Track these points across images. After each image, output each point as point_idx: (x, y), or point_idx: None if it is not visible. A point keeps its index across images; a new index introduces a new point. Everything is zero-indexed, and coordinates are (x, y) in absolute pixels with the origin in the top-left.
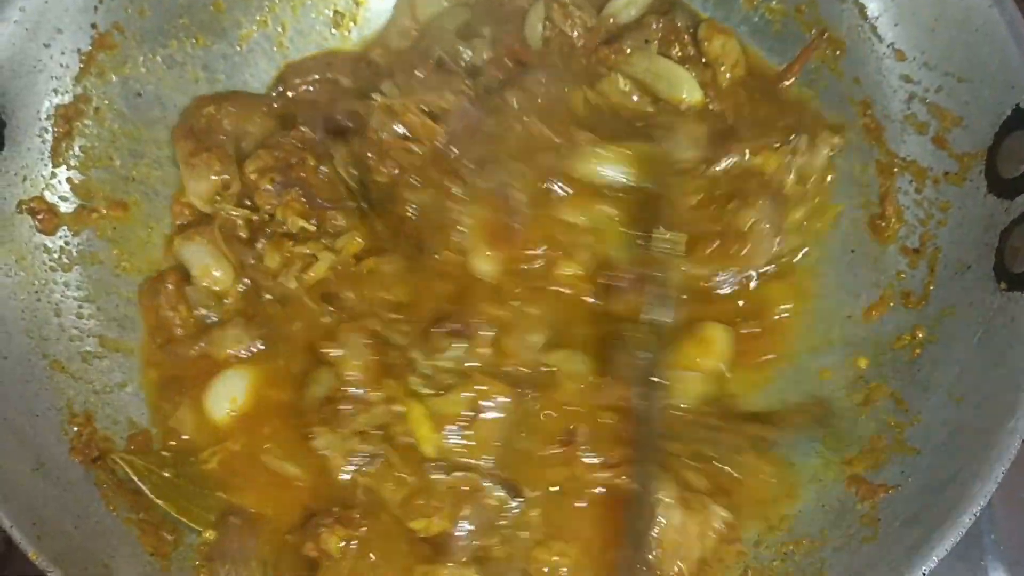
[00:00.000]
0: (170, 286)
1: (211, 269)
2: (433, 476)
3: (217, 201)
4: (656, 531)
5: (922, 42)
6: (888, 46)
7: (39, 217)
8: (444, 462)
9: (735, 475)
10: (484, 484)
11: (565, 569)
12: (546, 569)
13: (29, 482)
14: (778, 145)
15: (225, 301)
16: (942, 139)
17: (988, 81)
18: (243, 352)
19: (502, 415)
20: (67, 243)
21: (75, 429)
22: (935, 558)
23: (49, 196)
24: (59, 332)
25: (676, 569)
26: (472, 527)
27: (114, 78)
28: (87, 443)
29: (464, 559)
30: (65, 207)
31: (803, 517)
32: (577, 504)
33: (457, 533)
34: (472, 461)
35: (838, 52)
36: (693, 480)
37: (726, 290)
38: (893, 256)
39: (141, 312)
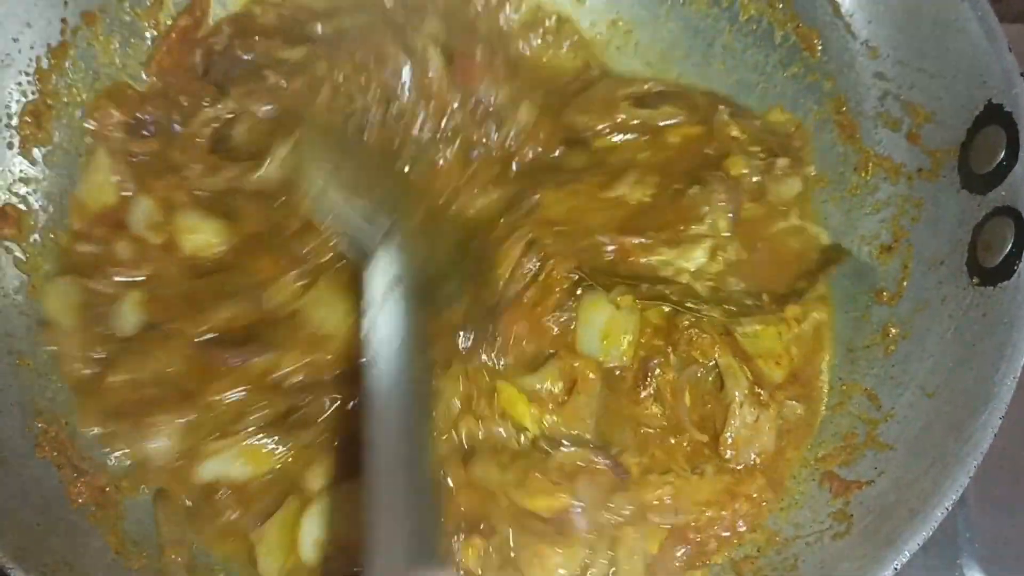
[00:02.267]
0: None
1: None
2: (540, 454)
3: None
4: (728, 430)
5: (895, 38)
6: (862, 43)
7: (4, 219)
8: (547, 439)
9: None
10: (593, 458)
11: None
12: None
13: None
14: (762, 157)
15: None
16: (915, 135)
17: (960, 77)
18: None
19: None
20: (34, 240)
21: (40, 426)
22: (907, 552)
23: (16, 193)
24: (24, 329)
25: (752, 461)
26: (586, 503)
27: (85, 73)
28: (54, 440)
29: (589, 534)
30: (35, 204)
31: (776, 513)
32: None
33: (575, 510)
34: (575, 433)
35: (814, 49)
36: (769, 372)
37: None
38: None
39: None
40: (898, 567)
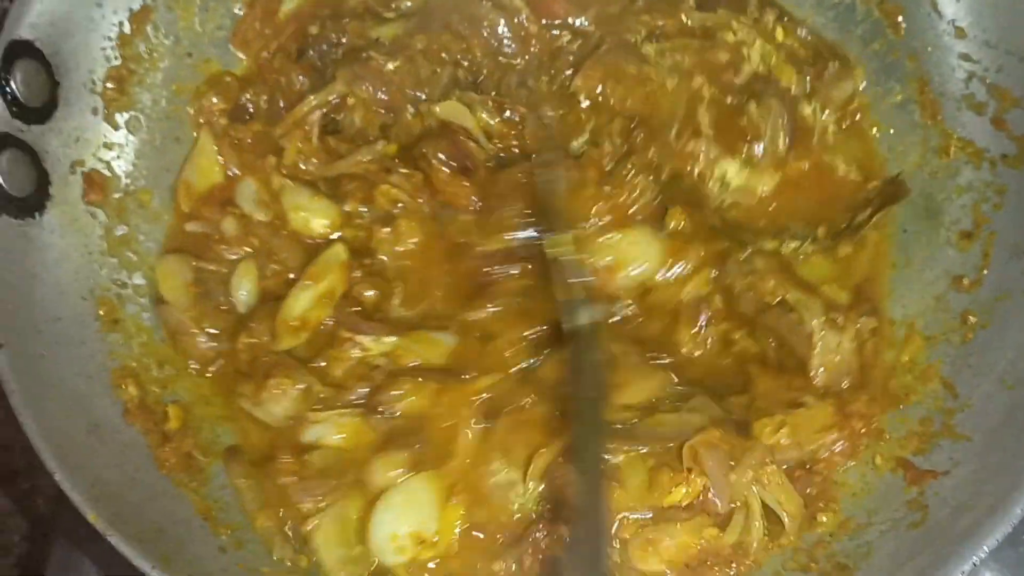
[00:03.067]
0: None
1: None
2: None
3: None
4: (815, 359)
5: (984, 20)
6: (948, 23)
7: (90, 184)
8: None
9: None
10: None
11: None
12: None
13: (84, 444)
14: (811, 63)
15: None
16: (1001, 120)
17: None
18: None
19: None
20: (118, 204)
21: (129, 391)
22: (986, 547)
23: (101, 158)
24: (115, 294)
25: (845, 384)
26: (716, 476)
27: (165, 38)
28: (140, 405)
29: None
30: (118, 169)
31: (849, 498)
32: None
33: (712, 491)
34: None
35: (897, 27)
36: (834, 296)
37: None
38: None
39: None
40: (976, 563)
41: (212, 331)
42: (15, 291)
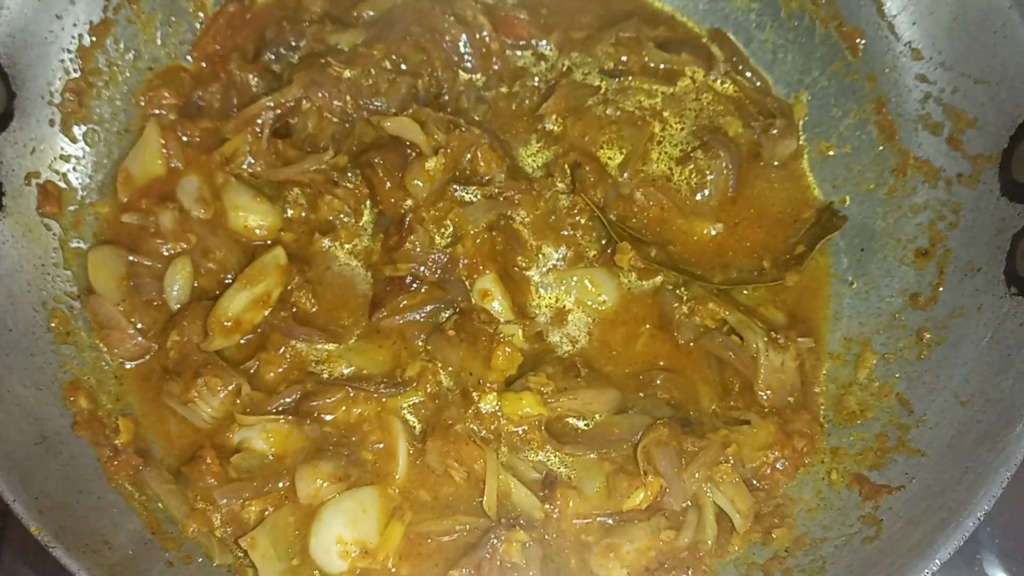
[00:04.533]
0: None
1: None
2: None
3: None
4: (760, 379)
5: (940, 42)
6: (905, 45)
7: (45, 196)
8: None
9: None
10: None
11: None
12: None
13: (32, 456)
14: (759, 119)
15: None
16: (956, 140)
17: (1005, 83)
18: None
19: None
20: (73, 217)
21: (80, 403)
22: (938, 561)
23: (56, 171)
24: (68, 306)
25: (789, 402)
26: (670, 477)
27: (126, 52)
28: (91, 418)
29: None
30: (74, 181)
31: (804, 514)
32: None
33: (667, 490)
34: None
35: (855, 48)
36: (772, 316)
37: None
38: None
39: None
40: (928, 575)
41: (141, 326)
42: None
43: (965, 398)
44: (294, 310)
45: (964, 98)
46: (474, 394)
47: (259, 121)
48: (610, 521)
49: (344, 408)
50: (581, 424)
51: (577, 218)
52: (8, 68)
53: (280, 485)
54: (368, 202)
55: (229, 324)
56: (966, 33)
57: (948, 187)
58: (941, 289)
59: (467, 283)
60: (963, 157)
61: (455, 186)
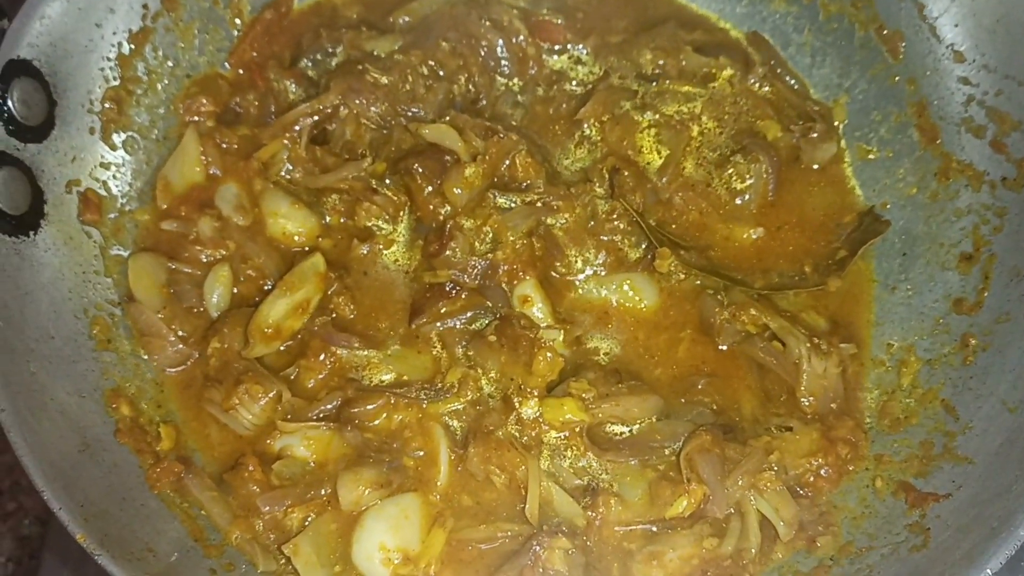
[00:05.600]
0: None
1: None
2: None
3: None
4: (803, 385)
5: (983, 44)
6: (947, 47)
7: (86, 204)
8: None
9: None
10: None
11: None
12: None
13: (75, 463)
14: (798, 122)
15: None
16: (1000, 143)
17: None
18: None
19: None
20: (113, 225)
21: (122, 410)
22: (988, 570)
23: (97, 178)
24: (109, 314)
25: (832, 408)
26: (713, 484)
27: (165, 59)
28: (132, 425)
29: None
30: (114, 189)
31: (849, 521)
32: None
33: (711, 497)
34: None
35: (896, 52)
36: (814, 322)
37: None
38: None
39: None
40: None
41: (182, 333)
42: (8, 309)
43: (1013, 405)
44: (333, 316)
45: (1008, 101)
46: (515, 400)
47: (297, 128)
48: (653, 528)
49: (385, 415)
50: (623, 430)
51: (616, 223)
52: (49, 77)
53: (322, 492)
54: (406, 209)
55: (269, 331)
56: (1010, 35)
57: (992, 191)
58: (986, 294)
59: (507, 289)
60: (1007, 160)
61: (494, 192)
